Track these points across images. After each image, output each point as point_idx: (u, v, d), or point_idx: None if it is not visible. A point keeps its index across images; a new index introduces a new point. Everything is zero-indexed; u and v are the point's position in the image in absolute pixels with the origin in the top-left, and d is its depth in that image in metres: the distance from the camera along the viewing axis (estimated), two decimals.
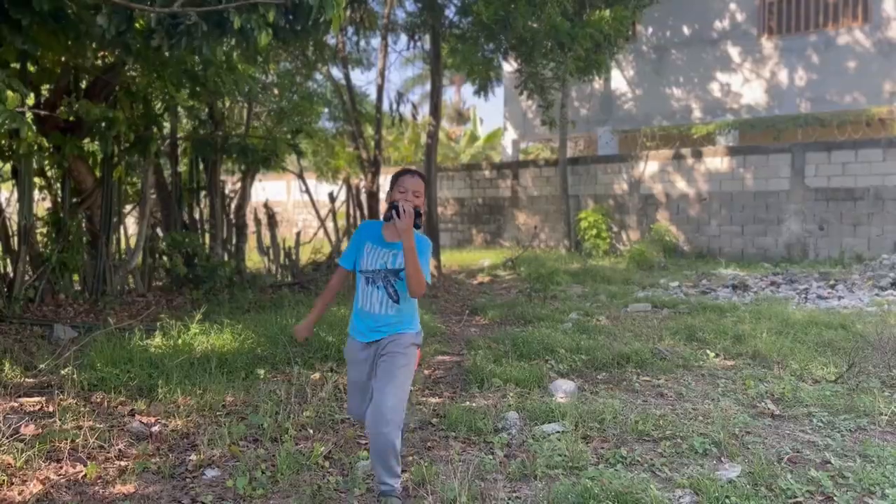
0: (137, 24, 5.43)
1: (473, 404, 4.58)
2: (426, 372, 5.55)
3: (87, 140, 7.73)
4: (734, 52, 15.14)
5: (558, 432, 4.02)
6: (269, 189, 20.42)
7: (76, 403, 4.33)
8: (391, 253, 3.06)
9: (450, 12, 10.45)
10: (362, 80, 35.59)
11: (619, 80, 16.52)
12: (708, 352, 5.96)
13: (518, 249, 14.63)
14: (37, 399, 4.48)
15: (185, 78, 6.98)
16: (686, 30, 15.70)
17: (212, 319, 6.47)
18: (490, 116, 61.18)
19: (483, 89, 12.05)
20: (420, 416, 4.39)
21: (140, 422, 4.13)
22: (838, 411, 4.36)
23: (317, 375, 5.21)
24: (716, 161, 13.91)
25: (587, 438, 3.95)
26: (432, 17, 10.55)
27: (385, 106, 12.78)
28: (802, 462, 3.59)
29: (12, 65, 6.50)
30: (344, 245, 11.90)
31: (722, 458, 3.67)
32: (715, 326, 6.83)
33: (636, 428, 4.05)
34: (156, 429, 4.06)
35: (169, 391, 4.60)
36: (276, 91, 10.50)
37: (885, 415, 4.26)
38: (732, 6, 15.13)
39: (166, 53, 5.56)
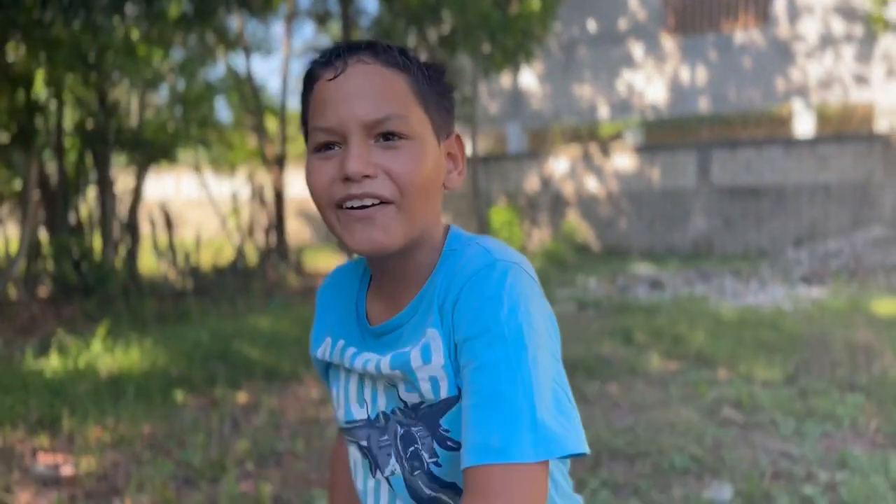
0: None
1: None
2: None
3: None
4: (638, 51, 15.39)
5: None
6: (155, 185, 19.16)
7: None
8: (394, 367, 0.93)
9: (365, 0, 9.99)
10: (262, 69, 34.28)
11: (527, 77, 16.48)
12: (652, 354, 5.82)
13: None
14: None
15: (78, 61, 6.20)
16: (592, 27, 15.83)
17: (114, 334, 5.76)
18: None
19: None
20: None
21: (45, 464, 3.49)
22: (800, 417, 4.27)
23: (244, 397, 4.68)
24: (624, 159, 14.08)
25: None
26: (343, 4, 10.03)
27: (290, 99, 12.15)
28: (787, 476, 3.43)
29: None
30: (249, 248, 11.19)
31: (704, 476, 3.46)
32: (650, 327, 6.73)
33: (608, 445, 3.79)
34: (66, 470, 3.44)
35: (76, 423, 3.97)
36: (169, 78, 9.68)
37: (846, 418, 4.20)
38: (635, 4, 15.37)
39: (58, 31, 4.83)
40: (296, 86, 12.92)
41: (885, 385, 4.63)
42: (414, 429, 0.93)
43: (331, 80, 0.89)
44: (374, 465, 0.99)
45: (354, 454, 1.04)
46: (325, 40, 13.56)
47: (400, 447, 0.95)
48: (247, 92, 11.49)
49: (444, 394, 0.90)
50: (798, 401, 4.54)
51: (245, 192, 12.19)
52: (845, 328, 6.56)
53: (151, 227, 9.96)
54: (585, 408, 4.56)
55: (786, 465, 3.55)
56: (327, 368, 1.08)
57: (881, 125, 13.16)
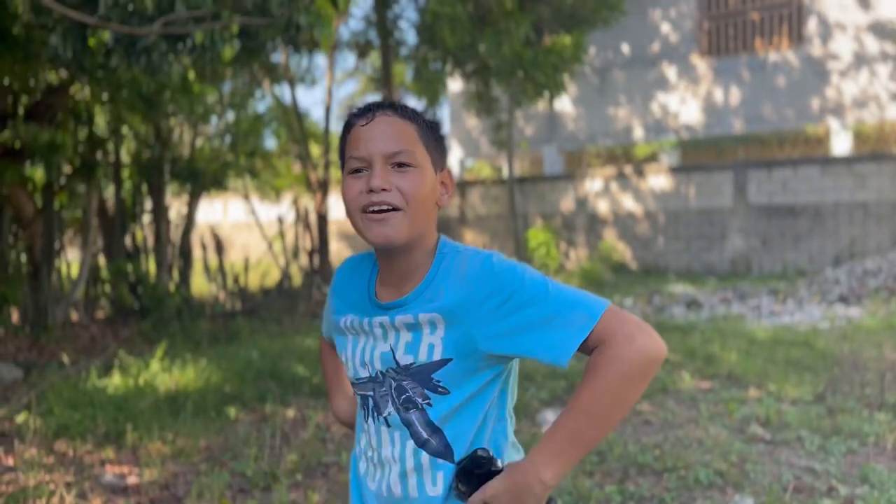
0: (91, 43, 5.13)
1: None
2: None
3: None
4: (672, 72, 15.53)
5: None
6: (204, 210, 19.79)
7: (38, 454, 3.99)
8: (391, 327, 1.30)
9: (404, 30, 10.38)
10: (306, 98, 35.22)
11: (563, 100, 16.73)
12: (683, 373, 5.97)
13: None
14: None
15: (138, 100, 6.65)
16: (626, 51, 16.03)
17: (171, 354, 6.13)
18: None
19: (432, 105, 12.04)
20: None
21: (113, 473, 3.82)
22: (827, 434, 4.39)
23: (292, 413, 4.97)
24: (660, 179, 14.19)
25: (589, 473, 3.85)
26: (383, 36, 10.43)
27: (333, 125, 12.60)
28: (809, 490, 3.57)
29: None
30: (293, 270, 11.60)
31: (728, 490, 3.62)
32: (683, 347, 6.86)
33: (636, 460, 3.98)
34: (132, 480, 3.76)
35: (139, 436, 4.30)
36: (218, 111, 10.19)
37: (871, 436, 4.31)
38: (668, 28, 15.53)
39: (121, 74, 5.25)
40: (339, 113, 13.37)
41: None
42: (404, 382, 1.29)
43: (363, 125, 1.28)
44: (376, 409, 1.34)
45: (360, 403, 1.40)
46: (367, 68, 14.01)
47: (395, 395, 1.31)
48: (292, 121, 11.94)
49: (436, 356, 1.26)
50: (825, 418, 4.65)
51: (290, 216, 12.62)
52: (878, 347, 6.61)
53: (203, 251, 10.43)
54: (617, 425, 4.74)
55: (808, 479, 3.69)
56: (335, 337, 1.46)
57: None
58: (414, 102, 12.20)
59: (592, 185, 15.00)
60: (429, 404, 1.28)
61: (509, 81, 8.61)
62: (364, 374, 1.35)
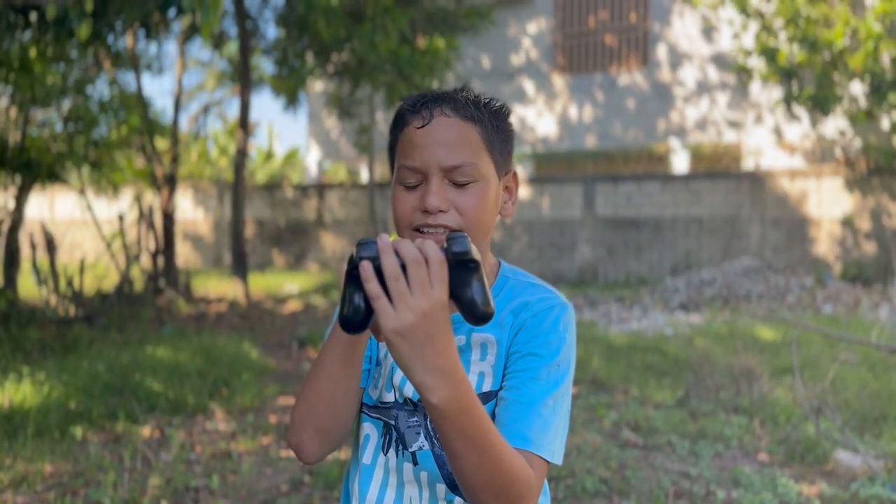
0: None
1: (342, 455, 4.22)
2: (272, 419, 5.05)
3: None
4: (530, 87, 16.03)
5: None
6: (29, 205, 17.98)
7: None
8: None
9: (267, 20, 9.95)
10: (150, 88, 32.93)
11: None
12: None
13: (327, 274, 14.21)
14: None
15: None
16: (486, 63, 16.36)
17: (1, 366, 5.42)
18: (285, 135, 60.80)
19: (292, 103, 11.65)
20: (289, 475, 3.94)
21: None
22: (694, 438, 4.59)
23: (148, 432, 4.52)
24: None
25: None
26: (242, 29, 9.93)
27: (182, 117, 11.86)
28: (689, 495, 3.69)
29: None
30: (135, 272, 10.74)
31: (613, 497, 3.67)
32: None
33: None
34: None
35: None
36: (55, 94, 9.22)
37: (733, 439, 4.56)
38: (527, 43, 16.03)
39: None
40: (186, 104, 12.59)
41: (764, 407, 5.04)
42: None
43: (419, 128, 1.09)
44: (398, 442, 1.13)
45: (370, 431, 1.17)
46: (223, 63, 13.30)
47: (430, 427, 1.12)
48: (137, 110, 11.08)
49: (486, 388, 1.11)
50: (689, 422, 4.88)
51: (130, 214, 11.70)
52: (725, 353, 7.07)
53: (32, 250, 9.37)
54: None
55: (685, 485, 3.82)
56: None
57: (748, 164, 14.34)
58: (271, 100, 11.73)
59: None
60: None
61: (381, 80, 8.48)
62: (388, 398, 1.15)
